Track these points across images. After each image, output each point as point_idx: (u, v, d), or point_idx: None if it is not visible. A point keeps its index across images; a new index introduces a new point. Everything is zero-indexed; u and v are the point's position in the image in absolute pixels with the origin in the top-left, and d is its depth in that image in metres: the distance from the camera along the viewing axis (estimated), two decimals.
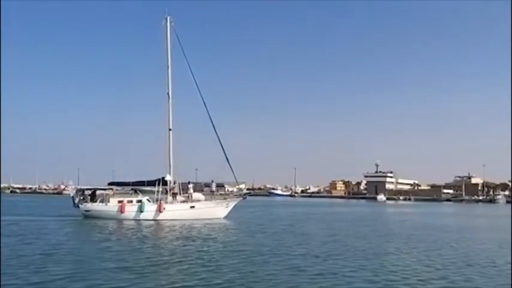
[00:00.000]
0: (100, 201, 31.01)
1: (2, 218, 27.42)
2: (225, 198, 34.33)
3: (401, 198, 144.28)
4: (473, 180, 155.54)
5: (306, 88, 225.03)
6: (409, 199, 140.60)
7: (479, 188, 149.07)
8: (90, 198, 31.23)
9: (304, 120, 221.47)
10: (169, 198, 31.69)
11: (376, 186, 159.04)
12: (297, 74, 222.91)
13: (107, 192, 31.45)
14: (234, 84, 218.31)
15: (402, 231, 25.54)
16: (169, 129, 32.97)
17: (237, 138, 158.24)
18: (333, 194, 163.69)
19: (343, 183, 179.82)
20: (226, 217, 32.01)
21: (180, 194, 32.45)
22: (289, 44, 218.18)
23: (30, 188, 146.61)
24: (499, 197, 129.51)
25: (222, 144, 32.84)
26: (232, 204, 32.70)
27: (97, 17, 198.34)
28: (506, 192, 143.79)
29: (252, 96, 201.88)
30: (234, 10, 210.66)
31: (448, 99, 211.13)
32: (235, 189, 61.70)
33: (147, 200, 30.82)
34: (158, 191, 30.93)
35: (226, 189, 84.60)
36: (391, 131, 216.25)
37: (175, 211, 30.84)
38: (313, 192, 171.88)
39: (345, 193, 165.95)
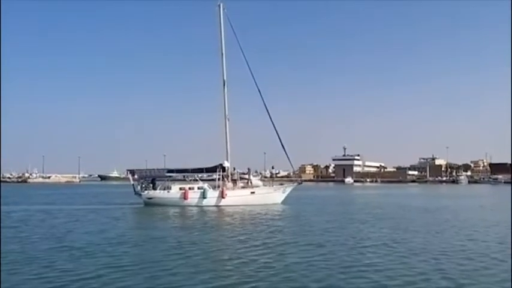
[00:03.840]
0: (161, 189, 30.95)
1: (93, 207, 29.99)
2: (281, 184, 34.94)
3: (368, 180, 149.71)
4: (437, 162, 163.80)
5: (276, 73, 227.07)
6: (376, 181, 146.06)
7: (443, 169, 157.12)
8: (152, 186, 31.11)
9: (273, 105, 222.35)
10: (230, 184, 31.94)
11: (344, 169, 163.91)
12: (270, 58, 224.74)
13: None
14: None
15: (398, 214, 26.13)
16: (227, 117, 32.98)
17: (208, 123, 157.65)
18: (302, 178, 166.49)
19: (312, 167, 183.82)
20: (283, 202, 32.62)
21: (238, 179, 32.81)
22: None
23: None
24: (462, 177, 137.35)
25: (278, 131, 33.28)
26: (288, 190, 33.33)
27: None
28: (468, 173, 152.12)
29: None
30: None
31: (412, 83, 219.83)
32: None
33: (208, 186, 31.10)
34: (219, 178, 31.26)
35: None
36: (357, 115, 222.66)
37: (236, 197, 31.21)
38: (282, 177, 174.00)
39: (314, 176, 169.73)
